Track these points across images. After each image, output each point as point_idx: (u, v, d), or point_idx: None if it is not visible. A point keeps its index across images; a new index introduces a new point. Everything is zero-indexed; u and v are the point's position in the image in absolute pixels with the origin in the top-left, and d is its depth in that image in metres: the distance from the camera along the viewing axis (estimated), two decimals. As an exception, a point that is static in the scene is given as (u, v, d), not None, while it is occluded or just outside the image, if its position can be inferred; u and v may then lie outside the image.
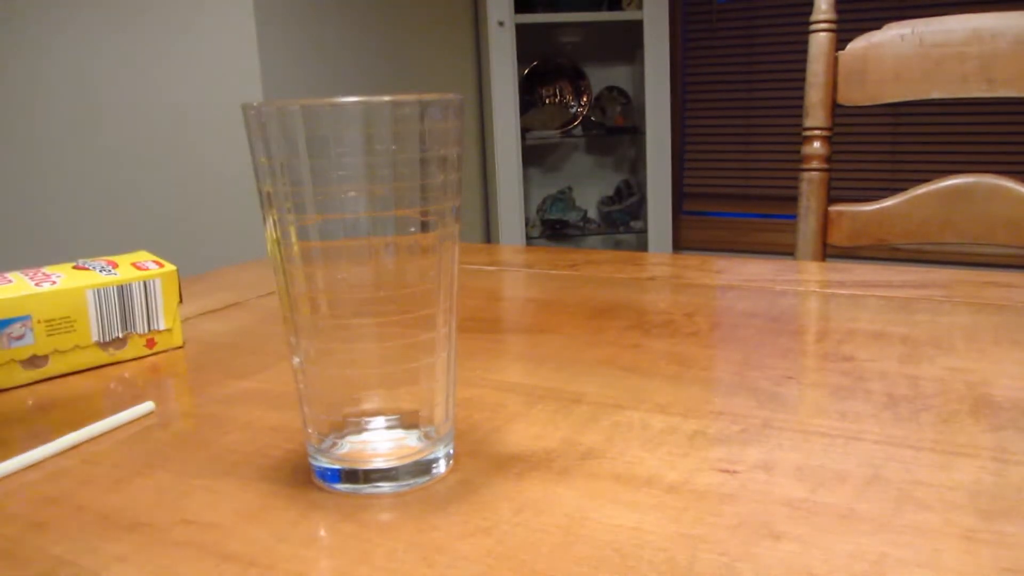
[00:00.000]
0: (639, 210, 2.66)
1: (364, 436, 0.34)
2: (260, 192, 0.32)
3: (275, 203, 0.31)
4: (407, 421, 0.34)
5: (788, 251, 0.99)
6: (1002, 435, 0.37)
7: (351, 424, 0.34)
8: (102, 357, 0.50)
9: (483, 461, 0.36)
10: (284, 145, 0.30)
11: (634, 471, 0.34)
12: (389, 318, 0.32)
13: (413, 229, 0.32)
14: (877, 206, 0.92)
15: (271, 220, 0.32)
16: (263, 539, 0.30)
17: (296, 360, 0.33)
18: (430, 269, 0.32)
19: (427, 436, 0.34)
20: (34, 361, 0.48)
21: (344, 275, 0.32)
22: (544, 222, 2.72)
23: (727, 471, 0.34)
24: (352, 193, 0.31)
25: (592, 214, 2.80)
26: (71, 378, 0.49)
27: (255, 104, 0.31)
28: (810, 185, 0.94)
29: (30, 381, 0.48)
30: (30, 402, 0.45)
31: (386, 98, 0.30)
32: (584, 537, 0.29)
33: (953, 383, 0.43)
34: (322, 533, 0.31)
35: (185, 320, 0.60)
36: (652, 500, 0.32)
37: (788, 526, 0.30)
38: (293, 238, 0.31)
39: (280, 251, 0.32)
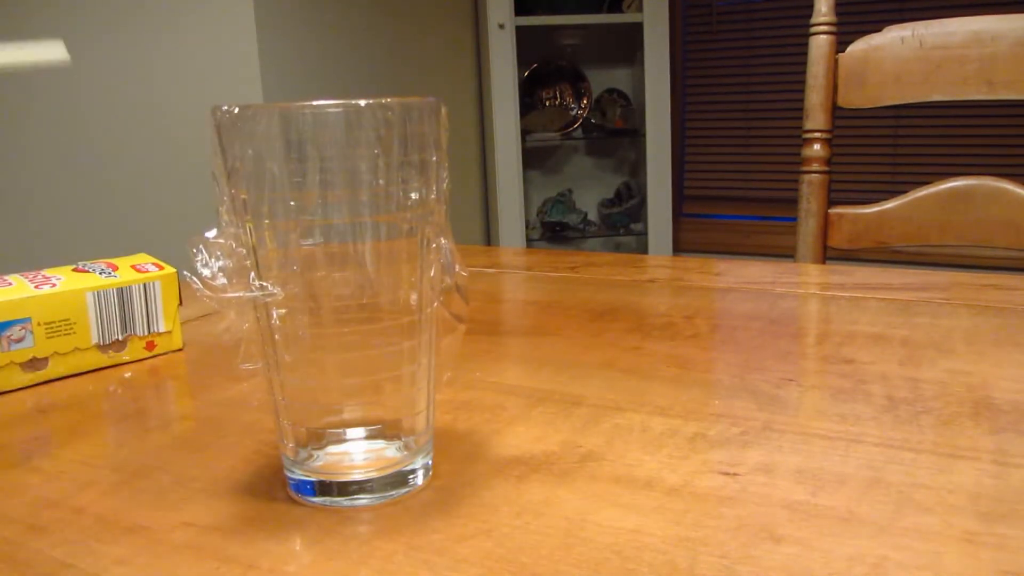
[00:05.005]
0: (639, 212, 2.66)
1: (343, 447, 0.33)
2: (233, 199, 0.31)
3: (251, 209, 0.30)
4: (389, 431, 0.33)
5: (788, 253, 0.99)
6: (1002, 438, 0.36)
7: (330, 435, 0.33)
8: (102, 359, 0.50)
9: (483, 463, 0.36)
10: (263, 149, 0.30)
11: (634, 473, 0.34)
12: (370, 326, 0.32)
13: (394, 235, 0.31)
14: (877, 208, 0.92)
15: (248, 227, 0.31)
16: (263, 542, 0.30)
17: (272, 371, 0.33)
18: (411, 275, 0.32)
19: (406, 447, 0.34)
20: (34, 363, 0.48)
21: (323, 282, 0.31)
22: (544, 224, 2.72)
23: (727, 473, 0.34)
24: (331, 199, 0.30)
25: (592, 216, 2.80)
26: (71, 380, 0.49)
27: (228, 107, 0.30)
28: (810, 187, 0.94)
29: (30, 383, 0.48)
30: (30, 404, 0.45)
31: (364, 102, 0.29)
32: (584, 539, 0.29)
33: (953, 386, 0.43)
34: (323, 536, 0.31)
35: (185, 323, 0.60)
36: (652, 502, 0.32)
37: (788, 529, 0.30)
38: (269, 244, 0.31)
39: (256, 258, 0.31)
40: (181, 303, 0.54)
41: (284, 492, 0.34)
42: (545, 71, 2.69)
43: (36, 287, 0.48)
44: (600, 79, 2.73)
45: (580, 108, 2.69)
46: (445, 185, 0.33)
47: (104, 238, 2.11)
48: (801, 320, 0.57)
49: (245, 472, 0.36)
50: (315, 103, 0.29)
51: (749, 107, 2.62)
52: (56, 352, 0.48)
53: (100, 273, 0.51)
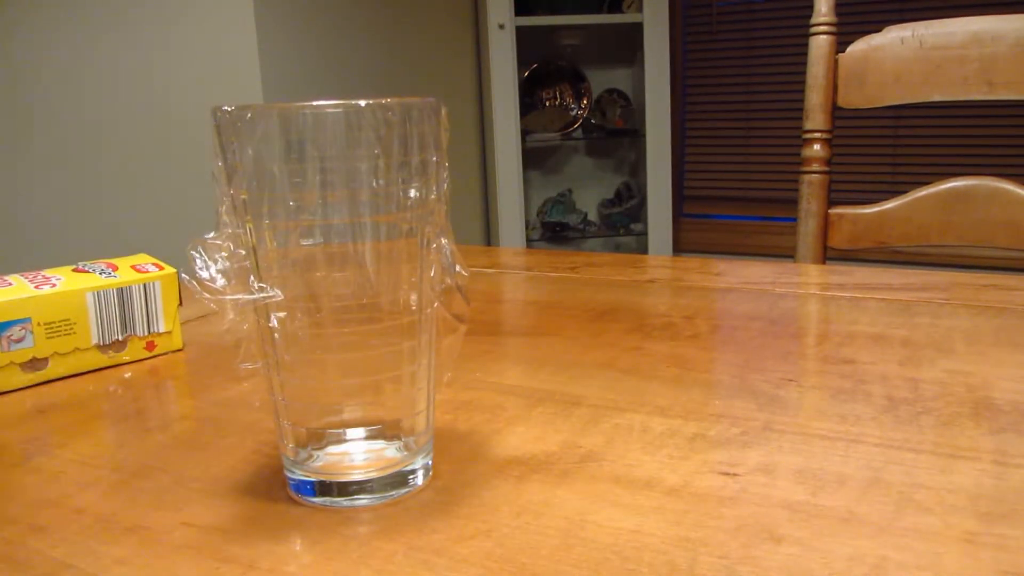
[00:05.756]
0: (639, 212, 2.66)
1: (343, 447, 0.33)
2: (233, 199, 0.31)
3: (251, 209, 0.30)
4: (389, 431, 0.33)
5: (788, 254, 0.99)
6: (1002, 438, 0.36)
7: (330, 435, 0.33)
8: (102, 359, 0.50)
9: (483, 464, 0.36)
10: (263, 149, 0.29)
11: (634, 474, 0.34)
12: (370, 326, 0.32)
13: (394, 235, 0.31)
14: (877, 208, 0.92)
15: (248, 227, 0.31)
16: (263, 542, 0.30)
17: (272, 371, 0.33)
18: (411, 276, 0.32)
19: (407, 447, 0.34)
20: (34, 364, 0.48)
21: (323, 283, 0.31)
22: (544, 225, 2.72)
23: (727, 474, 0.34)
24: (331, 199, 0.30)
25: (592, 216, 2.80)
26: (71, 380, 0.49)
27: (228, 107, 0.30)
28: (810, 188, 0.94)
29: (30, 384, 0.48)
30: (30, 404, 0.45)
31: (364, 102, 0.29)
32: (584, 540, 0.29)
33: (953, 386, 0.43)
34: (323, 536, 0.31)
35: (185, 323, 0.60)
36: (652, 503, 0.32)
37: (788, 529, 0.30)
38: (269, 245, 0.31)
39: (256, 258, 0.31)
40: (181, 303, 0.54)
41: (284, 492, 0.34)
42: (545, 71, 2.69)
43: (36, 287, 0.48)
44: (600, 79, 2.73)
45: (580, 108, 2.69)
46: (445, 185, 0.33)
47: (104, 238, 2.11)
48: (801, 320, 0.57)
49: (245, 472, 0.36)
50: (315, 103, 0.29)
51: (749, 107, 2.62)
52: (56, 352, 0.48)
53: (100, 273, 0.51)
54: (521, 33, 2.43)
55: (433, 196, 0.32)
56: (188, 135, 1.98)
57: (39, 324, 0.47)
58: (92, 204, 2.11)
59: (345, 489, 0.33)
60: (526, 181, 2.62)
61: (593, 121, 2.68)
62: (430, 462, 0.35)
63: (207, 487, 0.35)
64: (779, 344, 0.51)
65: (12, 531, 0.32)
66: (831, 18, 0.92)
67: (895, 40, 0.91)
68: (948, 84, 0.89)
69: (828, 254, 0.95)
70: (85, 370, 0.50)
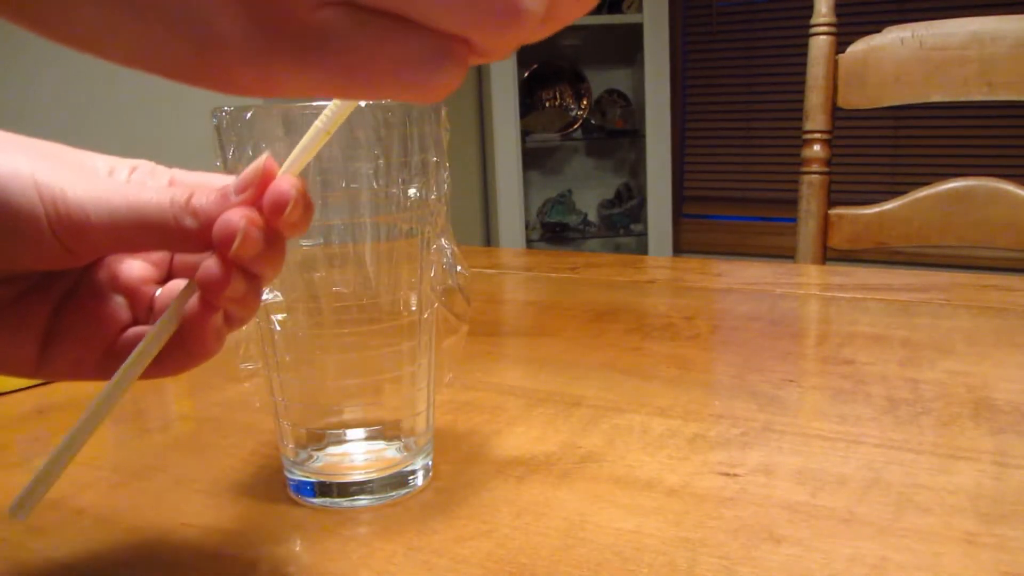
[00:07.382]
0: (639, 213, 2.66)
1: (343, 448, 0.33)
2: None
3: None
4: (389, 432, 0.33)
5: (788, 254, 0.99)
6: (1002, 439, 0.36)
7: (330, 436, 0.33)
8: (102, 360, 0.50)
9: (483, 464, 0.36)
10: (263, 150, 0.29)
11: (634, 474, 0.34)
12: (369, 327, 0.32)
13: (394, 236, 0.31)
14: (877, 209, 0.92)
15: None
16: (263, 542, 0.30)
17: (272, 371, 0.33)
18: (411, 276, 0.32)
19: (406, 448, 0.34)
20: (34, 364, 0.48)
21: (323, 283, 0.31)
22: (544, 225, 2.72)
23: (727, 474, 0.34)
24: (331, 199, 0.30)
25: (592, 217, 2.80)
26: (71, 381, 0.49)
27: (228, 107, 0.30)
28: (810, 188, 0.94)
29: (30, 384, 0.48)
30: (30, 405, 0.45)
31: (364, 102, 0.29)
32: (584, 540, 0.29)
33: (953, 387, 0.43)
34: (323, 537, 0.31)
35: (185, 323, 0.60)
36: (652, 503, 0.32)
37: (788, 530, 0.30)
38: None
39: None
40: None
41: (284, 493, 0.34)
42: (545, 72, 2.68)
43: (36, 288, 0.47)
44: (600, 80, 2.72)
45: (580, 109, 2.69)
46: (445, 186, 0.33)
47: (104, 238, 2.11)
48: (801, 321, 0.57)
49: (245, 473, 0.36)
50: (315, 103, 0.29)
51: (749, 107, 2.62)
52: (56, 353, 0.48)
53: (100, 274, 0.50)
54: (521, 33, 2.42)
55: (433, 196, 0.32)
56: (188, 135, 1.98)
57: (39, 324, 0.47)
58: (92, 204, 2.11)
59: (345, 490, 0.33)
60: (526, 181, 2.62)
61: (593, 122, 2.68)
62: (430, 463, 0.35)
63: (207, 488, 0.35)
64: (779, 345, 0.51)
65: (12, 531, 0.32)
66: (831, 18, 0.92)
67: (895, 40, 0.91)
68: (948, 84, 0.89)
69: (828, 255, 0.95)
70: (85, 370, 0.50)
